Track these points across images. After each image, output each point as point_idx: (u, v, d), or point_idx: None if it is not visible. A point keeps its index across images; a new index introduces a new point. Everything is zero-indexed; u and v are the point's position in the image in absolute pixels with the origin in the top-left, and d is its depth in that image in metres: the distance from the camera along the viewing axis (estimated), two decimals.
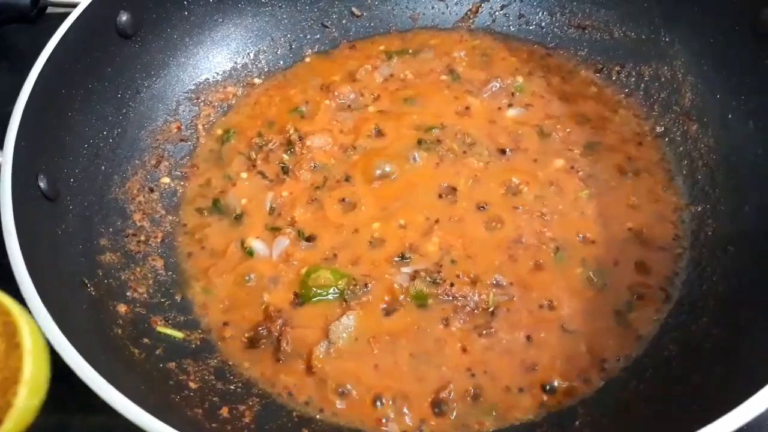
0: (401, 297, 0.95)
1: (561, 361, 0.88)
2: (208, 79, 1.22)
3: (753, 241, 0.90)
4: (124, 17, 1.06)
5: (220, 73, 1.24)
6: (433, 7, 1.33)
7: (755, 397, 0.62)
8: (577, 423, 0.82)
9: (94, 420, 0.62)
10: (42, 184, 0.87)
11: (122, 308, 0.91)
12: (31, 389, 0.46)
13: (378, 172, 1.09)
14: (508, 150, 1.10)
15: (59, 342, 0.68)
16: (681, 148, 1.07)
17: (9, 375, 0.47)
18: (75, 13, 0.98)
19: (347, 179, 1.09)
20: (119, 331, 0.86)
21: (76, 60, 1.00)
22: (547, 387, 0.86)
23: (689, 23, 1.09)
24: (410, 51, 1.28)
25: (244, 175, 1.12)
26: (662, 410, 0.78)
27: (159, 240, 1.04)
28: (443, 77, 1.23)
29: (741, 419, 0.61)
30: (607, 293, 0.93)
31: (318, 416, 0.86)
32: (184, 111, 1.18)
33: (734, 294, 0.87)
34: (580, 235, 0.99)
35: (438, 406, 0.86)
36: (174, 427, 0.65)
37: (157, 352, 0.88)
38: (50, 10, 1.15)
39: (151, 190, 1.08)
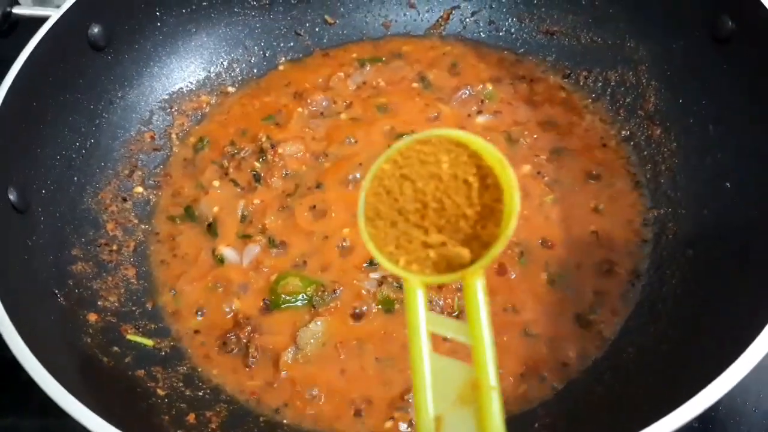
0: (369, 303, 0.97)
1: (522, 365, 0.90)
2: (182, 88, 1.24)
3: (710, 244, 0.92)
4: (95, 29, 1.08)
5: (194, 82, 1.25)
6: (405, 15, 1.34)
7: (697, 398, 0.64)
8: (536, 425, 0.83)
9: (48, 423, 0.63)
10: (11, 197, 0.88)
11: (92, 317, 0.92)
12: (504, 221, 0.50)
13: (349, 178, 1.11)
14: None
15: (22, 352, 0.70)
16: (645, 153, 1.09)
17: (482, 212, 0.51)
18: (46, 26, 1.00)
19: (318, 186, 1.11)
20: (88, 340, 0.88)
21: (48, 73, 1.01)
22: (508, 390, 0.88)
23: (652, 29, 1.11)
24: (383, 59, 1.30)
25: (216, 183, 1.13)
26: (617, 411, 0.80)
27: (131, 249, 1.05)
28: (415, 85, 1.25)
29: (683, 418, 0.63)
30: (569, 297, 0.95)
31: (285, 421, 0.88)
32: (157, 120, 1.20)
33: (691, 297, 0.89)
34: (544, 240, 1.00)
35: (402, 409, 0.87)
36: None
37: (127, 360, 0.89)
38: (22, 23, 1.17)
39: (125, 200, 1.10)
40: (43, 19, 1.01)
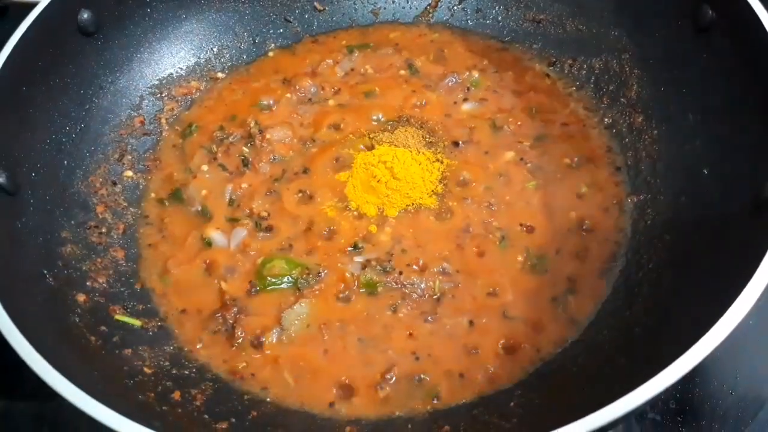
0: (353, 285, 0.99)
1: (500, 346, 0.92)
2: (172, 74, 1.25)
3: (686, 230, 0.94)
4: (85, 15, 1.09)
5: (184, 68, 1.26)
6: (393, 2, 1.36)
7: (660, 376, 0.66)
8: (512, 404, 0.86)
9: (40, 406, 0.65)
10: (1, 179, 0.90)
11: (81, 297, 0.94)
12: None
13: (335, 164, 1.13)
14: (461, 143, 1.14)
15: (11, 332, 0.72)
16: (627, 140, 1.10)
17: None
18: (35, 12, 1.01)
19: (305, 171, 1.13)
20: (77, 320, 0.90)
21: (38, 58, 1.02)
22: (486, 370, 0.90)
23: (635, 18, 1.13)
24: (371, 45, 1.31)
25: (205, 167, 1.15)
26: (590, 389, 0.82)
27: (121, 231, 1.07)
28: (402, 72, 1.26)
29: (644, 396, 0.66)
30: (547, 280, 0.97)
31: (268, 399, 0.91)
32: (147, 106, 1.21)
33: (666, 282, 0.91)
34: (525, 225, 1.02)
35: (382, 389, 0.90)
36: (120, 409, 0.68)
37: (114, 340, 0.91)
38: (12, 8, 1.18)
39: (114, 184, 1.12)
40: (33, 4, 1.02)
